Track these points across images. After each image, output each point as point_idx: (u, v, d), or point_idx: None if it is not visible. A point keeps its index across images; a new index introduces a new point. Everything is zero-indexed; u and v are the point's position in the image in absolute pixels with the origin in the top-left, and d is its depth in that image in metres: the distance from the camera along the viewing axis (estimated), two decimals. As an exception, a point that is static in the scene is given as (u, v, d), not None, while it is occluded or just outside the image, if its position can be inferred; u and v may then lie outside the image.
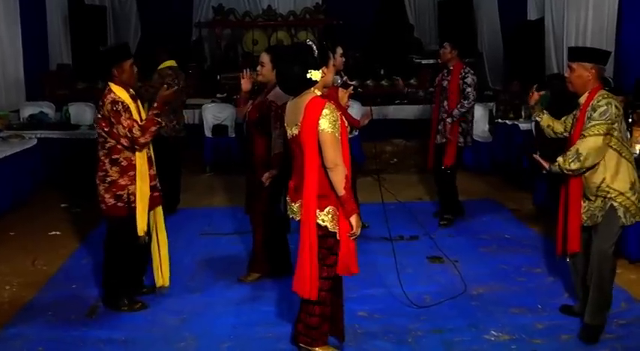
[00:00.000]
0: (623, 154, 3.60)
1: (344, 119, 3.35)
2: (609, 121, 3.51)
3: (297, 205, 3.35)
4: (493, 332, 3.83)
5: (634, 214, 3.63)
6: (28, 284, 4.67)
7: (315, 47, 3.26)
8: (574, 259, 3.84)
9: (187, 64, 10.25)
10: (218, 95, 9.52)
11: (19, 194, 6.64)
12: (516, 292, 4.42)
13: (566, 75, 3.76)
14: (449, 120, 5.79)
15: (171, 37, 10.87)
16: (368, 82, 9.69)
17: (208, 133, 8.37)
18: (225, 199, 7.03)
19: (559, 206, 3.84)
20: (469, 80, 5.77)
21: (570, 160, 3.55)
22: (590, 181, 3.64)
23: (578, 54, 3.77)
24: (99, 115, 4.04)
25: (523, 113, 8.01)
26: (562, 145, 5.98)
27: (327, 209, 3.24)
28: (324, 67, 3.28)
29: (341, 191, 3.18)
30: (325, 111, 3.17)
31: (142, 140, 3.99)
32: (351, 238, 3.27)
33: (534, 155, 3.75)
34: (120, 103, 3.97)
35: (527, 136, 7.19)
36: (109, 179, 4.06)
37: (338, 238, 3.28)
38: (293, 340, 3.64)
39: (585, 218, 3.70)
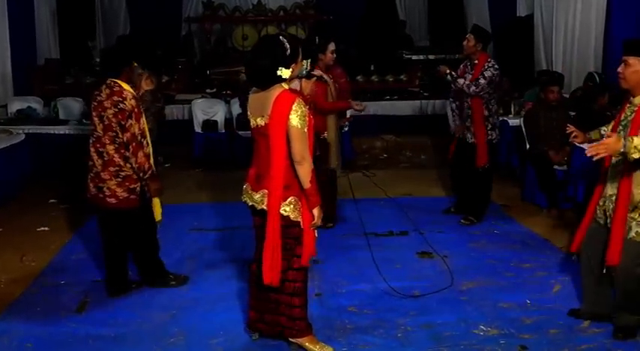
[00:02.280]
0: None
1: (311, 115, 3.40)
2: None
3: (258, 194, 3.39)
4: (482, 327, 3.84)
5: None
6: (17, 280, 4.64)
7: (286, 44, 3.27)
8: (588, 261, 3.69)
9: (177, 59, 10.22)
10: (208, 90, 9.48)
11: (7, 190, 6.59)
12: (505, 287, 4.44)
13: (619, 70, 3.46)
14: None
15: (161, 32, 10.87)
16: (358, 77, 9.68)
17: (198, 129, 8.34)
18: (215, 194, 7.01)
19: (590, 204, 3.64)
20: (488, 73, 5.51)
21: None
22: (636, 192, 3.42)
23: (635, 46, 3.41)
24: (114, 110, 3.97)
25: (513, 109, 8.04)
26: (550, 141, 6.06)
27: (289, 199, 3.32)
28: (293, 65, 3.31)
29: (306, 184, 3.28)
30: (295, 106, 3.22)
31: (139, 154, 4.02)
32: (312, 228, 3.38)
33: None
34: (140, 101, 4.06)
35: (517, 133, 7.22)
36: (123, 174, 4.07)
37: (302, 226, 3.36)
38: (276, 336, 3.63)
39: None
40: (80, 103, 8.42)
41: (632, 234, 3.45)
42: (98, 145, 4.09)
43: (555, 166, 6.15)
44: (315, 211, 3.35)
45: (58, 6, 10.15)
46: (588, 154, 3.18)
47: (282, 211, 3.31)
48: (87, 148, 4.19)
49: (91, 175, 4.16)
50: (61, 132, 7.78)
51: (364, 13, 11.93)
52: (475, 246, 5.33)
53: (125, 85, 4.06)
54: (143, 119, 4.09)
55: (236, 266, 4.82)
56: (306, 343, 3.56)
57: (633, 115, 3.43)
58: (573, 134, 3.82)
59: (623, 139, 3.19)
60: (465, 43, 5.69)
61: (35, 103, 8.38)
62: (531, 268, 4.80)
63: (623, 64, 3.44)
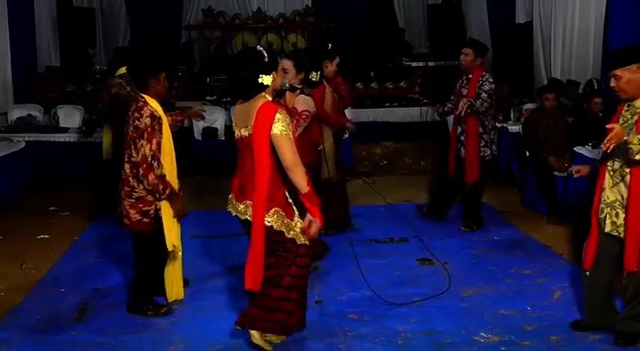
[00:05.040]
0: None
1: (293, 123, 3.47)
2: None
3: (242, 205, 3.43)
4: (483, 334, 3.84)
5: None
6: (17, 288, 4.64)
7: (265, 53, 3.36)
8: (594, 274, 3.63)
9: (177, 66, 10.24)
10: (208, 98, 9.50)
11: (8, 198, 6.59)
12: (506, 294, 4.44)
13: (612, 86, 3.48)
14: (467, 106, 5.39)
15: (161, 40, 10.88)
16: (358, 84, 9.70)
17: (198, 136, 8.35)
18: (215, 202, 6.98)
19: (591, 215, 3.60)
20: (486, 87, 5.46)
21: None
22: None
23: (624, 58, 3.42)
24: (132, 127, 3.85)
25: (512, 116, 8.07)
26: (554, 148, 6.05)
27: (272, 210, 3.37)
28: (273, 72, 3.37)
29: (304, 188, 3.30)
30: (278, 116, 3.27)
31: (150, 177, 3.82)
32: (309, 234, 3.39)
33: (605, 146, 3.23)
34: (157, 120, 3.86)
35: (517, 139, 7.24)
36: (136, 195, 3.92)
37: (288, 235, 3.39)
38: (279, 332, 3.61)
39: (617, 231, 3.47)
40: (80, 111, 8.43)
41: None
42: (121, 162, 4.02)
43: (555, 173, 6.16)
44: (311, 218, 3.33)
45: (59, 14, 10.17)
46: (604, 148, 3.22)
47: (265, 222, 3.35)
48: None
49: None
50: (62, 140, 7.80)
51: (364, 20, 11.97)
52: (475, 253, 5.33)
53: (150, 100, 3.92)
54: (159, 140, 3.88)
55: (237, 274, 4.79)
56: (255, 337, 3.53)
57: (637, 116, 3.42)
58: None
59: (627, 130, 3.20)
60: (462, 57, 5.61)
61: (35, 111, 8.39)
62: (532, 274, 4.80)
63: (613, 79, 3.46)
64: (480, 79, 5.53)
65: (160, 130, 3.90)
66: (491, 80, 5.55)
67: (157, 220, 3.96)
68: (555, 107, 6.37)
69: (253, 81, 3.32)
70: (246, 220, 3.43)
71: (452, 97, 5.90)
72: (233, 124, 3.50)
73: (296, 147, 3.34)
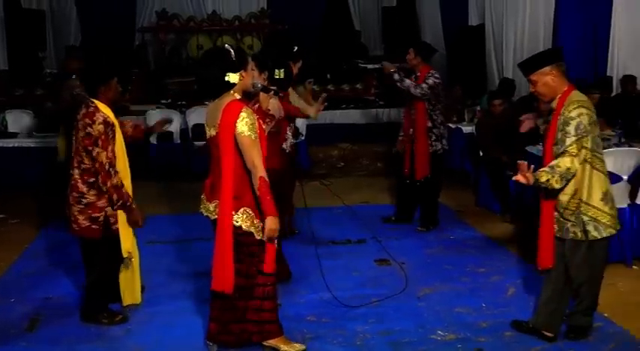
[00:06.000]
0: (596, 166, 3.46)
1: (261, 123, 3.42)
2: (584, 134, 3.35)
3: (213, 205, 3.40)
4: (439, 332, 3.89)
5: (609, 225, 3.50)
6: (-36, 299, 4.49)
7: (232, 51, 3.35)
8: (549, 274, 3.69)
9: (130, 69, 10.08)
10: (162, 101, 9.39)
11: (-47, 205, 6.38)
12: (461, 292, 4.51)
13: (531, 91, 3.60)
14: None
15: (114, 42, 10.71)
16: (314, 86, 9.71)
17: (153, 140, 8.23)
18: (171, 206, 6.92)
19: (541, 217, 3.66)
20: (430, 81, 5.65)
21: (557, 177, 3.33)
22: (562, 194, 3.49)
23: (530, 65, 3.56)
24: (83, 133, 3.77)
25: (466, 117, 8.21)
26: (505, 148, 6.17)
27: (241, 210, 3.33)
28: (242, 71, 3.35)
29: (257, 191, 3.27)
30: (242, 114, 3.25)
31: (109, 184, 3.79)
32: (268, 241, 3.34)
33: (516, 177, 3.35)
34: (111, 126, 3.78)
35: (470, 139, 7.36)
36: (85, 201, 3.84)
37: (257, 236, 3.36)
38: (244, 343, 3.59)
39: (557, 228, 3.57)
40: (30, 116, 8.22)
41: (571, 234, 3.53)
42: (70, 167, 3.92)
43: (509, 172, 6.28)
44: (268, 221, 3.28)
45: (6, 16, 9.91)
46: (514, 179, 3.35)
47: (234, 222, 3.31)
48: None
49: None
50: (10, 145, 7.60)
51: (320, 23, 12.02)
52: (431, 252, 5.40)
53: (101, 105, 3.84)
54: (113, 147, 3.81)
55: (194, 279, 4.76)
56: (279, 345, 3.58)
57: (551, 118, 3.52)
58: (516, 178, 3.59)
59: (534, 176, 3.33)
60: (407, 57, 5.88)
61: (-18, 116, 8.15)
62: (486, 272, 4.88)
63: (531, 85, 3.57)
64: (427, 75, 5.73)
65: (114, 136, 3.83)
66: (436, 76, 5.74)
67: (107, 226, 3.89)
68: (503, 110, 6.51)
69: (220, 79, 3.30)
70: (216, 219, 3.38)
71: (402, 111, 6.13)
72: (205, 125, 3.45)
73: (263, 150, 3.32)
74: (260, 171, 3.26)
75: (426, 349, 3.70)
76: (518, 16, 8.57)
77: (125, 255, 3.97)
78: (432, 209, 6.01)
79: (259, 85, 3.69)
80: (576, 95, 3.47)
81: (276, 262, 3.52)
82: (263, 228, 3.32)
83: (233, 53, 3.33)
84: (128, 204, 3.89)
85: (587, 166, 3.44)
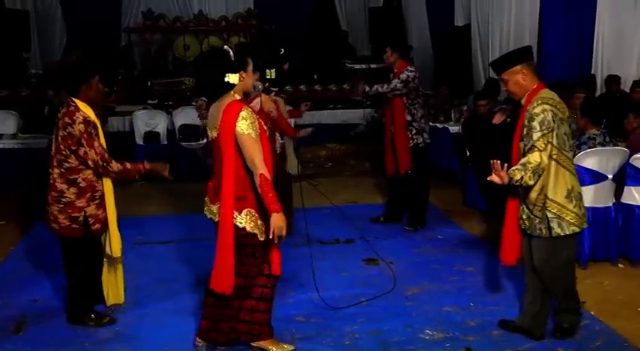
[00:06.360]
0: (562, 162, 3.47)
1: (262, 122, 3.40)
2: (549, 129, 3.37)
3: (216, 206, 3.38)
4: (428, 331, 3.90)
5: (573, 223, 3.50)
6: (-51, 302, 4.44)
7: (232, 52, 3.32)
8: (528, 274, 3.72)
9: (116, 70, 10.02)
10: (149, 102, 9.34)
11: (-63, 208, 6.31)
12: (449, 291, 4.52)
13: (504, 90, 3.63)
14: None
15: (100, 42, 10.63)
16: (301, 87, 9.73)
17: (140, 141, 8.19)
18: (159, 207, 6.89)
19: (506, 214, 3.72)
20: (403, 76, 5.70)
21: (530, 174, 3.33)
22: (531, 191, 3.51)
23: (501, 64, 3.61)
24: (63, 133, 3.76)
25: (453, 116, 8.25)
26: (491, 148, 6.20)
27: (244, 211, 3.31)
28: (242, 72, 3.33)
29: (260, 191, 3.24)
30: (242, 114, 3.23)
31: (112, 174, 3.85)
32: (276, 240, 3.29)
33: (490, 178, 3.35)
34: (92, 124, 3.77)
35: (457, 139, 7.40)
36: (64, 200, 3.82)
37: (261, 238, 3.34)
38: (231, 342, 3.59)
39: (525, 225, 3.59)
40: (15, 117, 8.15)
41: (537, 231, 3.56)
42: (49, 166, 3.89)
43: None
44: (273, 218, 3.21)
45: (-10, 16, 9.83)
46: (489, 179, 3.35)
47: (237, 223, 3.29)
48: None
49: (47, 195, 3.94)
50: (-5, 147, 7.53)
51: (306, 23, 12.02)
52: (419, 251, 5.41)
53: (82, 105, 3.82)
54: (99, 141, 3.80)
55: (182, 280, 4.75)
56: (268, 346, 3.57)
57: (520, 114, 3.56)
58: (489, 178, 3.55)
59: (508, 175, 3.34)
60: (384, 56, 5.93)
61: (-34, 117, 8.07)
62: (474, 271, 4.91)
63: (503, 84, 3.62)
64: (403, 71, 5.76)
65: (97, 134, 3.82)
66: (411, 70, 5.77)
67: (86, 226, 3.87)
68: (489, 110, 6.55)
69: (219, 80, 3.28)
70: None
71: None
72: (207, 127, 3.44)
73: (265, 150, 3.30)
74: (260, 168, 3.22)
75: (414, 348, 3.71)
76: (503, 16, 8.64)
77: (117, 255, 3.97)
78: (420, 209, 6.03)
79: (260, 87, 3.69)
80: (544, 93, 3.51)
81: None
82: (267, 229, 3.29)
83: (232, 54, 3.31)
84: (144, 171, 3.97)
85: (553, 163, 3.46)
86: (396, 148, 5.83)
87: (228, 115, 3.23)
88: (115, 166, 3.84)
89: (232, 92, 3.33)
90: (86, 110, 3.81)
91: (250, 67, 3.41)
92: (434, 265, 5.05)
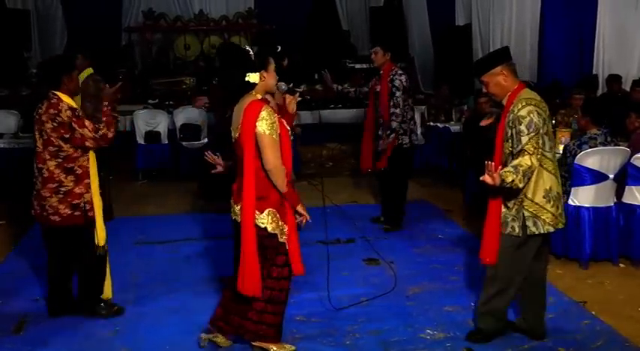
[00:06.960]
0: (543, 164, 3.45)
1: (283, 122, 3.39)
2: (537, 131, 3.36)
3: (238, 207, 3.37)
4: (429, 331, 3.90)
5: (548, 222, 3.48)
6: (-51, 302, 4.44)
7: (252, 52, 3.33)
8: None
9: (117, 69, 10.02)
10: (150, 101, 9.34)
11: (-62, 207, 6.31)
12: (450, 291, 4.52)
13: (485, 92, 3.64)
14: (391, 135, 5.57)
15: (100, 42, 10.64)
16: (302, 86, 9.72)
17: (140, 140, 8.19)
18: (159, 206, 6.89)
19: (487, 213, 3.68)
20: (397, 83, 5.56)
21: (521, 177, 3.31)
22: (509, 189, 3.48)
23: (481, 67, 3.59)
24: (52, 124, 3.79)
25: (454, 116, 8.24)
26: (486, 148, 6.20)
27: (266, 211, 3.31)
28: (262, 71, 3.32)
29: (283, 189, 3.29)
30: (263, 113, 3.22)
31: (110, 135, 3.92)
32: (300, 223, 3.40)
33: (482, 177, 3.35)
34: (76, 110, 3.86)
35: (458, 138, 7.39)
36: (64, 189, 3.87)
37: (280, 239, 3.34)
38: (235, 335, 3.60)
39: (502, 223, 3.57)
40: (16, 116, 8.15)
41: (509, 229, 3.54)
42: (38, 162, 3.91)
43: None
44: (299, 208, 3.38)
45: (-9, 16, 9.84)
46: (481, 179, 3.33)
47: (259, 223, 3.29)
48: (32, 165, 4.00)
49: (34, 192, 3.97)
50: (-4, 146, 7.53)
51: (307, 23, 12.02)
52: (420, 251, 5.41)
53: (64, 96, 3.89)
54: (89, 121, 3.89)
55: (182, 279, 4.74)
56: (269, 346, 3.56)
57: (501, 115, 3.54)
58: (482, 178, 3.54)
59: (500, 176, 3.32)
60: (372, 57, 5.78)
61: (-33, 117, 8.07)
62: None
63: (484, 86, 3.59)
64: (390, 73, 5.64)
65: (83, 116, 3.87)
66: (400, 72, 5.66)
67: (86, 213, 3.93)
68: (490, 108, 6.54)
69: (241, 81, 3.29)
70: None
71: (364, 89, 6.08)
72: (231, 128, 3.44)
73: (286, 151, 3.32)
74: (282, 170, 3.26)
75: (415, 348, 3.71)
76: (504, 15, 8.64)
77: (102, 243, 4.01)
78: (397, 210, 5.94)
79: (284, 87, 3.68)
80: (526, 93, 3.49)
81: None
82: (288, 229, 3.35)
83: (252, 53, 3.31)
84: (111, 105, 4.02)
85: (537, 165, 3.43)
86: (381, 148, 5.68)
87: (249, 115, 3.23)
88: (105, 129, 3.90)
89: (253, 92, 3.32)
90: (68, 101, 3.88)
91: (272, 67, 3.39)
92: (435, 265, 5.05)
